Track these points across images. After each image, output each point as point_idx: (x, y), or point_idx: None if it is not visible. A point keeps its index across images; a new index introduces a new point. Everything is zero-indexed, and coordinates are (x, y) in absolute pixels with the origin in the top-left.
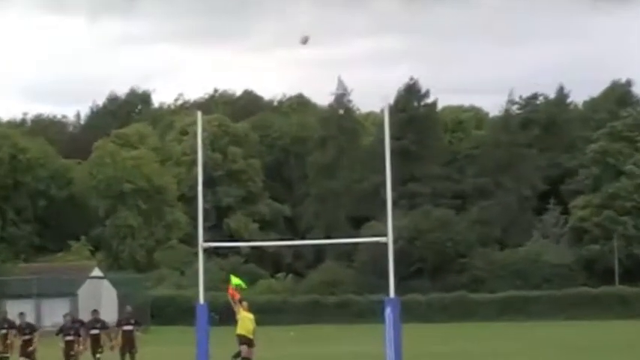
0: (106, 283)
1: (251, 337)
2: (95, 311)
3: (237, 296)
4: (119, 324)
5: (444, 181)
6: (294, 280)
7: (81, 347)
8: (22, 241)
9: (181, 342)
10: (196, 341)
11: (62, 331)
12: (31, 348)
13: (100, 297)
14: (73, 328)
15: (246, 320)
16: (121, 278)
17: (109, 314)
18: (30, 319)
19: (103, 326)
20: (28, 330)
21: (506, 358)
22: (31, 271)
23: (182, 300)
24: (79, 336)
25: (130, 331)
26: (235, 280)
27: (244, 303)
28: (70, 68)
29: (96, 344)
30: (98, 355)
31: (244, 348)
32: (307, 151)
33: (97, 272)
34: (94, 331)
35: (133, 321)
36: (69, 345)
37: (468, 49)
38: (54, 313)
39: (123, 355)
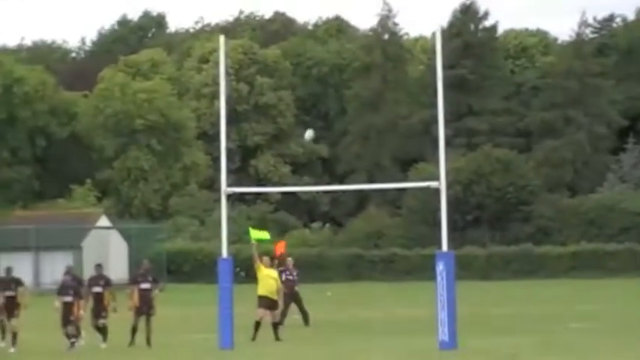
0: (114, 233)
1: (275, 298)
2: (99, 266)
3: (283, 251)
4: (135, 281)
5: (506, 116)
6: (331, 231)
7: (81, 311)
8: (18, 186)
9: (201, 301)
10: (218, 300)
11: (62, 289)
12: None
13: (108, 250)
14: (72, 286)
15: (268, 279)
16: (131, 228)
17: (119, 269)
18: (28, 274)
19: (108, 283)
20: (13, 285)
21: (579, 321)
22: (28, 220)
23: (202, 254)
24: (80, 297)
25: (148, 290)
26: (256, 235)
27: (266, 259)
28: None
29: (99, 305)
30: (102, 321)
31: (261, 312)
32: (347, 82)
33: (104, 221)
34: (97, 289)
35: (150, 278)
36: (67, 307)
37: None
38: (55, 268)
39: (139, 316)
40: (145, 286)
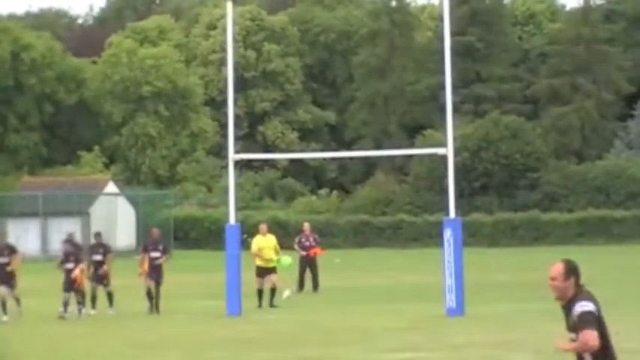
0: (122, 200)
1: (271, 266)
2: (98, 234)
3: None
4: (145, 249)
5: (513, 83)
6: (339, 198)
7: (77, 271)
8: (25, 152)
9: (209, 268)
10: (226, 267)
11: (64, 257)
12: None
13: (116, 216)
14: (73, 253)
15: (264, 250)
16: (139, 195)
17: (126, 236)
18: (35, 241)
19: (108, 251)
20: (6, 252)
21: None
22: (36, 186)
23: (210, 220)
24: (81, 262)
25: (158, 259)
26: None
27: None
28: None
29: (100, 273)
30: (108, 288)
31: (259, 280)
32: (354, 48)
33: (111, 188)
34: (97, 257)
35: (160, 247)
36: (69, 274)
37: None
38: (63, 234)
39: (150, 281)
40: (155, 255)
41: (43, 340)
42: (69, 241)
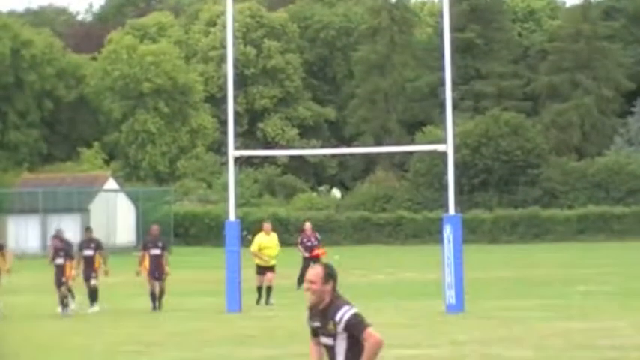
0: (122, 196)
1: (271, 264)
2: (88, 229)
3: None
4: (145, 247)
5: (513, 80)
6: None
7: (73, 272)
8: (25, 148)
9: (209, 264)
10: (226, 263)
11: (54, 253)
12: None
13: (116, 213)
14: (63, 249)
15: (265, 250)
16: (139, 191)
17: (126, 232)
18: (35, 237)
19: (98, 246)
20: None
21: (586, 284)
22: (36, 183)
23: (209, 217)
24: (72, 258)
25: (159, 256)
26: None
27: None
28: None
29: (90, 268)
30: (93, 282)
31: (260, 278)
32: (354, 45)
33: (111, 184)
34: (88, 252)
35: (160, 244)
36: (59, 269)
37: None
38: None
39: (154, 281)
40: (155, 252)
41: (42, 337)
42: (57, 237)
